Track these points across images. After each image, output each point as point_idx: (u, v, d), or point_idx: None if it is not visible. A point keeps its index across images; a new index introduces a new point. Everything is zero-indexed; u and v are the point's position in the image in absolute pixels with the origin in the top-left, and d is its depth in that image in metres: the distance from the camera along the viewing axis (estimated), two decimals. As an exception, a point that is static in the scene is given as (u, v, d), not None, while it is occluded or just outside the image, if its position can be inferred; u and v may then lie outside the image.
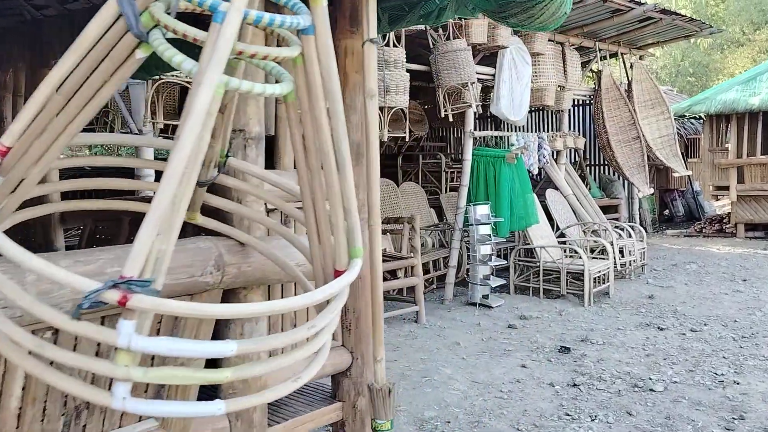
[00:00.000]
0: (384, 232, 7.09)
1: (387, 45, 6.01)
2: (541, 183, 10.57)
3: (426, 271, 8.38)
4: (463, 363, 5.54)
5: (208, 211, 2.11)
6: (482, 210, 7.48)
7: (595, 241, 8.55)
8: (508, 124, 9.68)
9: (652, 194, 12.52)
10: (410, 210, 8.88)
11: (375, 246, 2.56)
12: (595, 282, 7.70)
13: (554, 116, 11.02)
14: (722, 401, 4.62)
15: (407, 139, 6.66)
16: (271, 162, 2.62)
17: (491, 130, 11.38)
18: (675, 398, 4.70)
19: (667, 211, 15.72)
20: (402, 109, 6.28)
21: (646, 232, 12.97)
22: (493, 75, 7.86)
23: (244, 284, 2.05)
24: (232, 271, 2.03)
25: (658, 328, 6.49)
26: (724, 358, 5.55)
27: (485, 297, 7.45)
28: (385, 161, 11.42)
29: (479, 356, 5.73)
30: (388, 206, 8.57)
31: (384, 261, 6.66)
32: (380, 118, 6.09)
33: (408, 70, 7.38)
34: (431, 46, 6.99)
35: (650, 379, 5.08)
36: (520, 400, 4.74)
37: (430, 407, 4.63)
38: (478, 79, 7.53)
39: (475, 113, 7.49)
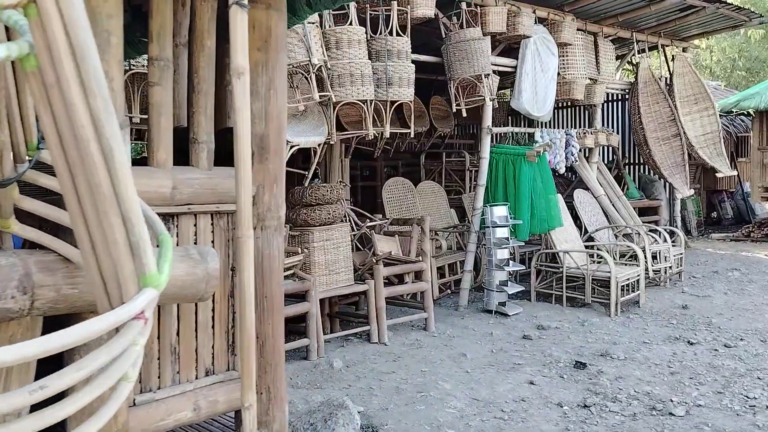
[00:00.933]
0: (392, 233, 6.69)
1: (390, 34, 5.61)
2: (575, 183, 10.01)
3: (442, 275, 7.96)
4: (466, 377, 5.10)
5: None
6: (500, 211, 7.00)
7: (627, 246, 7.97)
8: (534, 120, 9.17)
9: (695, 195, 11.77)
10: (428, 210, 8.45)
11: (273, 261, 2.08)
12: (623, 290, 7.15)
13: (586, 112, 10.42)
14: (750, 430, 4.07)
15: (412, 135, 6.24)
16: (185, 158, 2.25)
17: (522, 126, 10.84)
18: (696, 424, 4.18)
19: (714, 213, 14.86)
20: (407, 103, 5.86)
21: (690, 235, 12.24)
22: (515, 67, 7.37)
23: (70, 310, 1.66)
24: (47, 294, 1.61)
25: (688, 342, 5.92)
26: (759, 379, 4.97)
27: (502, 304, 6.98)
28: (401, 158, 11.01)
29: (485, 370, 5.28)
30: (403, 206, 8.17)
31: (390, 264, 6.29)
32: (383, 112, 5.70)
33: (418, 62, 6.97)
34: (443, 35, 6.54)
35: (671, 401, 4.56)
36: (521, 422, 4.29)
37: (420, 427, 4.22)
38: (498, 72, 7.07)
39: (494, 108, 7.01)
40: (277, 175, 1.92)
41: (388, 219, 6.83)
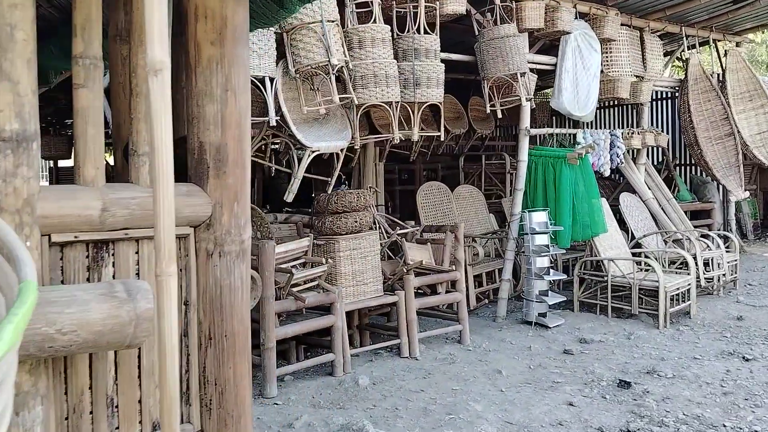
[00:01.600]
0: (425, 241, 6.39)
1: (418, 32, 5.32)
2: (621, 186, 9.53)
3: (480, 284, 7.62)
4: (500, 397, 4.77)
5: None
6: (539, 217, 6.64)
7: (677, 253, 7.50)
8: (580, 121, 8.75)
9: (750, 197, 11.12)
10: (465, 216, 8.12)
11: (234, 294, 1.73)
12: (673, 300, 6.70)
13: (632, 111, 9.91)
14: (817, 464, 3.65)
15: (443, 138, 5.92)
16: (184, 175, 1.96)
17: (566, 127, 10.40)
18: (754, 456, 3.77)
19: (772, 216, 14.07)
20: (436, 105, 5.55)
21: (746, 239, 11.56)
22: (554, 65, 6.99)
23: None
24: None
25: (744, 358, 5.46)
26: (825, 402, 4.51)
27: (542, 315, 6.61)
28: (440, 161, 10.68)
29: (521, 389, 4.93)
30: (439, 212, 7.86)
31: (421, 274, 5.99)
32: (410, 114, 5.40)
33: (457, 63, 6.67)
34: (476, 32, 6.22)
35: (724, 425, 4.16)
36: (558, 449, 3.95)
37: (447, 454, 3.92)
38: (537, 70, 6.71)
39: (536, 108, 6.65)
40: (238, 191, 1.63)
41: (419, 226, 6.52)
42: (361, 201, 5.62)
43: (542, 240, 6.61)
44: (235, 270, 1.60)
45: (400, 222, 6.67)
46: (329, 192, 5.34)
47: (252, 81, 4.28)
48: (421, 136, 8.64)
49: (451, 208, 7.99)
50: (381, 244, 6.32)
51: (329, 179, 5.18)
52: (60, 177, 13.58)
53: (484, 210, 8.44)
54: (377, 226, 6.34)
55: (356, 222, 5.58)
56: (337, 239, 5.50)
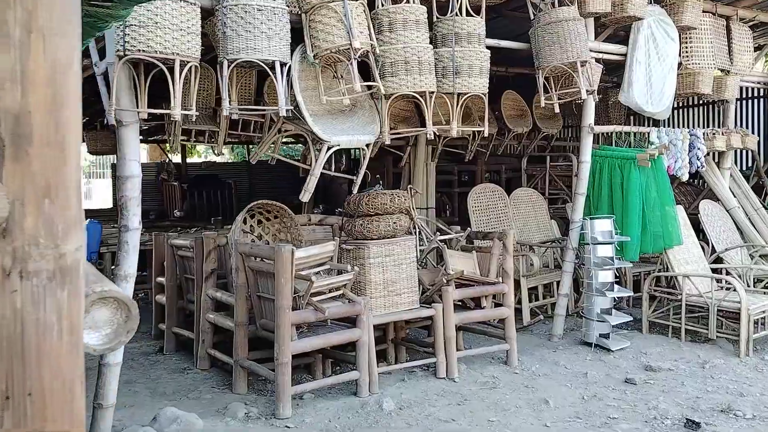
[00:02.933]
0: (469, 249, 5.78)
1: (459, 14, 4.72)
2: (704, 193, 8.58)
3: (535, 297, 6.93)
4: (542, 433, 4.12)
5: None
6: (602, 225, 5.90)
7: (765, 270, 6.58)
8: (659, 119, 7.92)
9: None
10: (523, 222, 7.44)
11: (46, 334, 0.99)
12: (757, 325, 5.82)
13: (716, 109, 8.94)
14: None
15: (485, 134, 5.28)
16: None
17: (642, 125, 9.51)
18: None
19: None
20: (480, 96, 4.91)
21: None
22: (624, 54, 6.22)
23: None
24: None
25: None
26: None
27: (603, 336, 5.87)
28: (504, 162, 9.96)
29: (569, 424, 4.26)
30: (492, 217, 7.21)
31: (463, 286, 5.39)
32: (449, 106, 4.81)
33: (511, 56, 6.02)
34: (531, 16, 5.55)
35: (819, 490, 3.37)
36: (604, 505, 3.28)
37: (468, 503, 3.31)
38: (602, 60, 5.97)
39: (605, 106, 5.93)
40: (53, 181, 1.09)
41: (464, 231, 5.91)
42: (396, 203, 5.07)
43: (606, 251, 5.87)
44: (47, 298, 1.06)
45: (444, 227, 6.08)
46: (355, 192, 4.81)
47: (261, 66, 3.82)
48: (475, 133, 8.06)
49: (506, 213, 7.33)
50: (420, 251, 5.76)
51: (354, 178, 4.66)
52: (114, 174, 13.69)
53: (544, 216, 7.73)
54: (417, 230, 5.77)
55: (390, 226, 5.03)
56: (368, 244, 4.98)
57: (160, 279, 6.20)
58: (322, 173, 4.45)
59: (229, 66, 3.66)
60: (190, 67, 3.52)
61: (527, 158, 9.51)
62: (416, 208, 7.43)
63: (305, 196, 4.29)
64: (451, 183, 9.88)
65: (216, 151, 5.81)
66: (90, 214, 13.82)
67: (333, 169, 13.98)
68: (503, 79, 8.60)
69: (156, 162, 14.35)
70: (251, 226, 5.40)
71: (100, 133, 9.78)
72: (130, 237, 3.73)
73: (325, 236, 5.89)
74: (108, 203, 14.93)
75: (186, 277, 5.80)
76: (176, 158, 13.86)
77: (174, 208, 12.64)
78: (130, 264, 3.74)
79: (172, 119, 3.80)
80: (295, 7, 4.13)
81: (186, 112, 3.58)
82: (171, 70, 3.42)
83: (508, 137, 8.68)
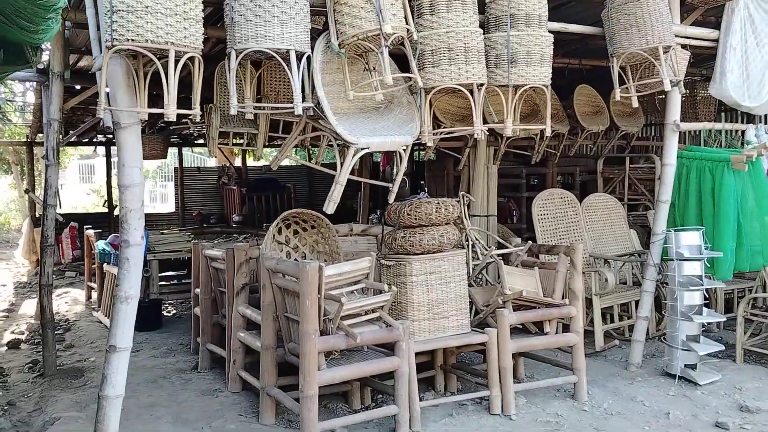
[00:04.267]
0: (531, 264, 5.08)
1: (514, -8, 4.03)
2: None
3: (611, 319, 6.15)
4: (611, 494, 3.40)
5: None
6: (690, 238, 5.08)
7: None
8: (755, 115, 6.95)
9: None
10: (596, 232, 6.64)
11: None
12: None
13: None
14: None
15: (547, 133, 4.55)
16: None
17: (735, 121, 8.48)
18: None
19: None
20: (540, 88, 4.19)
21: None
22: (715, 40, 5.37)
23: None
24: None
25: None
26: None
27: (690, 367, 5.05)
28: (579, 164, 9.10)
29: (644, 482, 3.53)
30: (561, 226, 6.45)
31: (522, 308, 4.72)
32: (503, 100, 4.13)
33: (586, 47, 5.27)
34: (604, -3, 4.79)
35: None
36: None
37: None
38: (689, 46, 5.14)
39: (683, 94, 5.12)
40: None
41: (524, 244, 5.21)
42: (442, 213, 4.45)
43: (693, 268, 5.05)
44: None
45: (502, 240, 5.40)
46: (392, 201, 4.22)
47: (273, 56, 3.28)
48: (543, 133, 7.29)
49: (577, 222, 6.55)
50: (473, 267, 5.11)
51: (390, 186, 4.07)
52: (184, 176, 13.60)
53: (622, 225, 6.89)
54: (469, 243, 5.12)
55: (435, 239, 4.42)
56: (410, 260, 4.38)
57: (197, 291, 5.82)
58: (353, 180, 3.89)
59: (237, 56, 3.16)
60: (192, 59, 3.04)
61: (603, 159, 8.63)
62: (474, 216, 6.80)
63: (330, 207, 3.74)
64: (519, 187, 9.11)
65: (256, 156, 5.34)
66: (151, 218, 13.86)
67: (389, 169, 13.46)
68: (576, 72, 7.79)
69: (217, 166, 14.21)
70: (286, 236, 4.90)
71: (147, 137, 9.60)
72: (131, 253, 3.27)
73: (368, 248, 5.34)
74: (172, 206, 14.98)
75: (220, 290, 5.37)
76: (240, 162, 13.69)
77: (233, 212, 12.43)
78: (131, 284, 3.28)
79: (187, 119, 3.31)
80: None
81: (186, 112, 3.09)
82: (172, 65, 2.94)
83: (582, 136, 7.86)
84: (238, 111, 3.36)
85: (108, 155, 11.95)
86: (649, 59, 4.53)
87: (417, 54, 3.68)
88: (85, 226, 8.88)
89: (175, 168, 14.08)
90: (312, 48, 3.49)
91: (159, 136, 9.58)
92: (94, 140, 11.76)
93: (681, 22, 5.20)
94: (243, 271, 4.89)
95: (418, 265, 4.38)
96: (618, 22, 4.55)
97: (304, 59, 3.33)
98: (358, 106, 3.88)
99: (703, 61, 7.66)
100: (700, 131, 9.69)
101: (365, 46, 3.47)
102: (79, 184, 24.38)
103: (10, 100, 10.20)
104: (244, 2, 3.12)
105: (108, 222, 11.52)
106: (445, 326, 4.46)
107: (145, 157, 10.81)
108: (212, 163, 16.77)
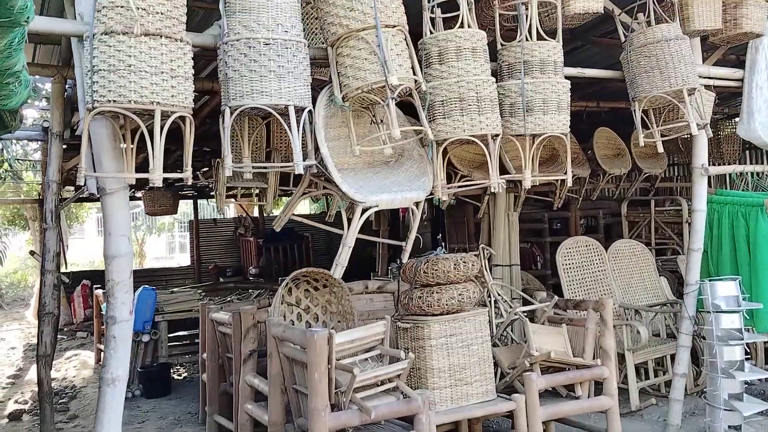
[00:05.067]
0: (557, 321, 4.76)
1: (529, 38, 3.82)
2: None
3: (645, 375, 5.76)
4: None
5: None
6: (726, 289, 4.74)
7: None
8: None
9: None
10: (625, 281, 6.31)
11: None
12: None
13: None
14: None
15: (568, 184, 4.29)
16: None
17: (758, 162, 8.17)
18: None
19: None
20: (559, 137, 3.95)
21: None
22: (740, 79, 5.11)
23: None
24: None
25: None
26: None
27: (734, 429, 4.65)
28: (602, 206, 8.79)
29: None
30: (587, 276, 6.13)
31: (551, 370, 4.39)
32: (520, 150, 3.89)
33: (604, 89, 5.05)
34: (622, 38, 4.57)
35: None
36: None
37: None
38: (713, 87, 4.90)
39: (710, 138, 4.86)
40: None
41: (550, 299, 4.90)
42: (461, 270, 4.17)
43: (732, 321, 4.70)
44: None
45: (526, 296, 5.10)
46: (405, 260, 3.95)
47: (271, 112, 3.07)
48: (578, 177, 7.06)
49: (604, 271, 6.22)
50: (497, 325, 4.79)
51: (403, 244, 3.81)
52: (200, 228, 13.43)
53: (651, 272, 6.55)
54: (491, 299, 4.82)
55: (455, 298, 4.13)
56: (428, 322, 4.09)
57: (204, 356, 5.55)
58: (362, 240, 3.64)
59: (231, 114, 2.96)
60: (183, 119, 2.84)
61: (627, 202, 8.33)
62: (497, 266, 6.50)
63: (337, 271, 3.48)
64: (541, 232, 8.81)
65: (266, 210, 5.13)
66: (166, 273, 13.69)
67: (407, 219, 13.23)
68: (595, 115, 7.59)
69: (234, 217, 14.07)
70: (297, 297, 4.64)
71: (157, 192, 9.45)
72: (118, 331, 3.02)
73: (384, 307, 5.06)
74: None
75: (228, 356, 5.09)
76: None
77: (250, 264, 12.21)
78: (118, 364, 3.02)
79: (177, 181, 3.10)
80: (320, 39, 3.42)
81: (175, 175, 2.88)
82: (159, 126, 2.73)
83: (603, 180, 7.59)
84: (234, 171, 3.14)
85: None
86: (673, 102, 4.28)
87: (426, 105, 3.47)
88: (95, 286, 8.69)
89: (190, 220, 13.95)
90: (315, 101, 3.29)
91: (169, 191, 9.46)
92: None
93: (703, 62, 4.96)
94: (251, 337, 4.61)
95: (437, 327, 4.09)
96: (638, 64, 4.32)
97: (305, 114, 3.12)
98: (367, 161, 3.66)
99: (726, 99, 7.42)
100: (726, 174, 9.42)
101: (371, 98, 3.26)
102: (98, 237, 24.41)
103: (21, 159, 10.16)
104: (238, 57, 2.94)
105: (122, 279, 11.31)
106: (468, 393, 4.14)
107: (154, 213, 10.71)
108: (232, 213, 16.67)
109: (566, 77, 4.04)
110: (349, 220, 3.26)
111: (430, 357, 4.06)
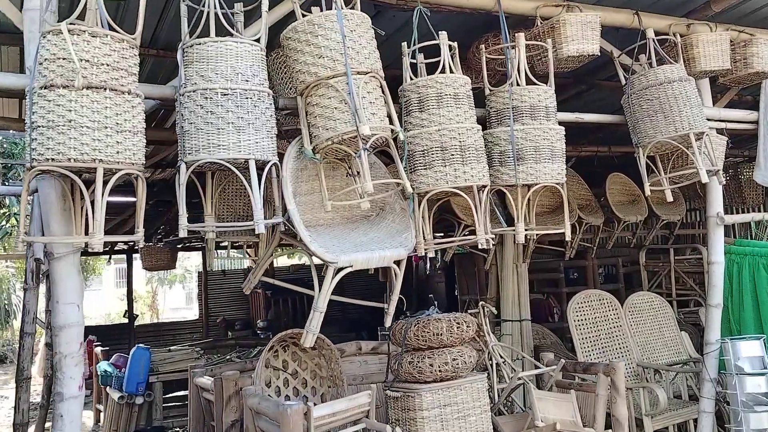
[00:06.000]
0: (565, 386, 4.38)
1: (516, 83, 3.54)
2: None
3: (665, 440, 5.29)
4: None
5: None
6: (749, 349, 4.35)
7: None
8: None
9: None
10: (642, 337, 5.88)
11: None
12: None
13: None
14: None
15: (568, 239, 3.96)
16: None
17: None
18: None
19: None
20: (557, 187, 3.63)
21: None
22: (755, 122, 4.80)
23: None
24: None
25: None
26: None
27: (766, 506, 4.19)
28: (620, 254, 8.39)
29: None
30: (602, 333, 5.71)
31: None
32: (511, 202, 3.58)
33: (615, 134, 4.76)
34: (622, 80, 4.29)
35: None
36: None
37: None
38: (725, 130, 4.59)
39: (726, 179, 4.53)
40: None
41: (557, 361, 4.52)
42: (456, 331, 3.84)
43: (758, 385, 4.29)
44: None
45: (531, 358, 4.73)
46: (388, 323, 3.63)
47: (229, 167, 2.82)
48: (576, 227, 6.72)
49: (620, 327, 5.81)
50: (498, 392, 4.42)
51: (385, 306, 3.50)
52: (208, 282, 13.20)
53: (672, 327, 6.11)
54: (493, 362, 4.47)
55: (448, 363, 3.79)
56: (419, 390, 3.75)
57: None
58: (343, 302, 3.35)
59: (187, 169, 2.72)
60: (135, 178, 2.61)
61: (646, 251, 7.94)
62: (506, 321, 6.13)
63: (308, 340, 3.18)
64: (558, 282, 8.43)
65: (253, 272, 4.88)
66: (173, 327, 13.42)
67: (422, 265, 12.81)
68: (607, 159, 7.27)
69: (245, 268, 13.84)
70: (284, 361, 4.34)
71: (155, 248, 9.26)
72: (66, 409, 2.73)
73: (380, 370, 4.72)
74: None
75: (213, 425, 4.76)
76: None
77: (259, 317, 11.92)
78: (66, 446, 2.72)
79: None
80: (291, 88, 3.20)
81: (127, 238, 2.64)
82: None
83: (619, 228, 7.23)
84: (191, 231, 2.89)
85: (129, 263, 11.65)
86: (680, 148, 3.97)
87: (405, 155, 3.21)
88: (94, 343, 8.45)
89: (198, 272, 13.73)
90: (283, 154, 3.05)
91: (166, 246, 9.28)
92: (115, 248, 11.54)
93: (714, 105, 4.67)
94: (233, 405, 4.29)
95: (429, 397, 3.74)
96: (641, 108, 4.03)
97: (270, 168, 2.87)
98: (345, 216, 3.39)
99: (745, 141, 7.08)
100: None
101: (343, 149, 3.01)
102: (116, 289, 24.34)
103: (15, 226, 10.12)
104: (194, 109, 2.71)
105: (128, 334, 11.10)
106: (465, 471, 3.76)
107: (151, 268, 10.50)
108: (246, 263, 16.45)
109: (563, 123, 3.77)
110: (319, 282, 2.99)
111: (422, 430, 3.70)
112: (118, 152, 2.48)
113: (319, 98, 2.97)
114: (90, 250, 2.48)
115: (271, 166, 2.87)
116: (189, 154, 2.72)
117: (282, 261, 17.07)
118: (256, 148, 2.75)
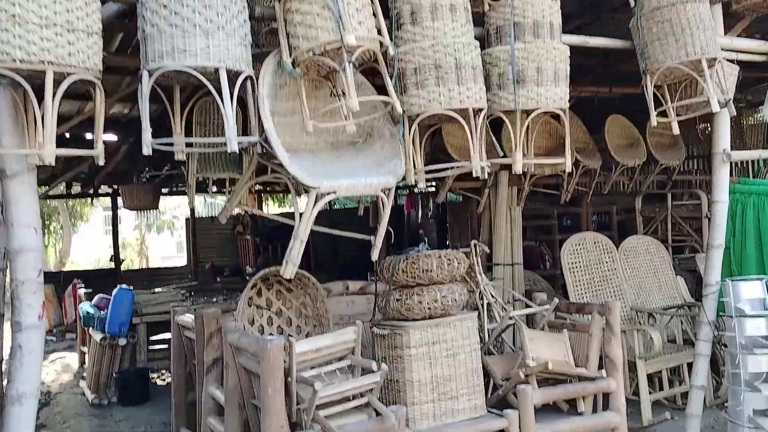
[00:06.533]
0: (558, 326, 4.23)
1: (520, -2, 3.26)
2: None
3: (660, 386, 5.20)
4: None
5: None
6: (751, 290, 4.19)
7: None
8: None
9: None
10: (637, 282, 5.75)
11: None
12: None
13: None
14: None
15: (567, 171, 3.75)
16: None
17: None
18: None
19: None
20: (557, 114, 3.38)
21: None
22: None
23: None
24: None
25: None
26: None
27: (761, 449, 4.09)
28: (617, 201, 8.22)
29: None
30: (596, 276, 5.58)
31: (548, 381, 3.87)
32: (509, 130, 3.35)
33: (593, 56, 4.51)
34: (632, 2, 4.00)
35: None
36: None
37: None
38: (736, 61, 4.33)
39: (733, 117, 4.31)
40: None
41: (550, 301, 4.36)
42: (446, 268, 3.66)
43: (757, 327, 4.14)
44: None
45: (524, 298, 4.57)
46: (375, 256, 3.44)
47: (198, 77, 2.56)
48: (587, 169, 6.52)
49: (615, 271, 5.66)
50: (488, 331, 4.27)
51: (372, 238, 3.30)
52: (197, 230, 12.98)
53: (667, 271, 5.98)
54: (484, 302, 4.30)
55: (438, 300, 3.63)
56: (407, 328, 3.60)
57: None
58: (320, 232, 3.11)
59: (150, 78, 2.45)
60: (93, 85, 2.35)
61: (642, 197, 7.75)
62: (497, 265, 5.97)
63: (288, 270, 2.98)
64: (550, 229, 8.28)
65: (226, 208, 4.66)
66: (161, 273, 13.26)
67: (414, 213, 12.60)
68: (607, 101, 7.02)
69: (235, 214, 13.59)
70: (267, 299, 4.16)
71: (136, 186, 9.00)
72: (24, 339, 2.53)
73: (368, 309, 4.55)
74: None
75: (195, 364, 4.61)
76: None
77: (248, 264, 11.76)
78: (25, 379, 2.54)
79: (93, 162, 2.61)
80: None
81: (82, 153, 2.39)
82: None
83: (616, 172, 7.03)
84: (153, 148, 2.63)
85: (114, 205, 11.36)
86: (691, 75, 3.72)
87: (395, 73, 2.95)
88: (78, 285, 8.27)
89: (186, 218, 13.49)
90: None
91: (149, 185, 9.00)
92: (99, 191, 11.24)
93: (726, 30, 4.40)
94: (214, 343, 4.12)
95: (417, 334, 3.59)
96: (650, 31, 3.76)
97: (244, 81, 2.61)
98: (329, 141, 3.15)
99: (748, 85, 6.81)
100: (748, 162, 8.80)
101: (326, 63, 2.75)
102: (104, 237, 24.10)
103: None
104: (156, 9, 2.43)
105: (115, 279, 10.92)
106: (453, 409, 3.63)
107: (133, 208, 10.22)
108: (236, 210, 16.22)
109: (568, 46, 3.50)
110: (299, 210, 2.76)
111: (409, 368, 3.56)
112: (69, 54, 2.22)
113: (299, 4, 2.69)
114: (39, 163, 2.24)
115: (246, 78, 2.61)
116: (152, 61, 2.46)
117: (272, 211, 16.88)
118: (227, 56, 2.49)
